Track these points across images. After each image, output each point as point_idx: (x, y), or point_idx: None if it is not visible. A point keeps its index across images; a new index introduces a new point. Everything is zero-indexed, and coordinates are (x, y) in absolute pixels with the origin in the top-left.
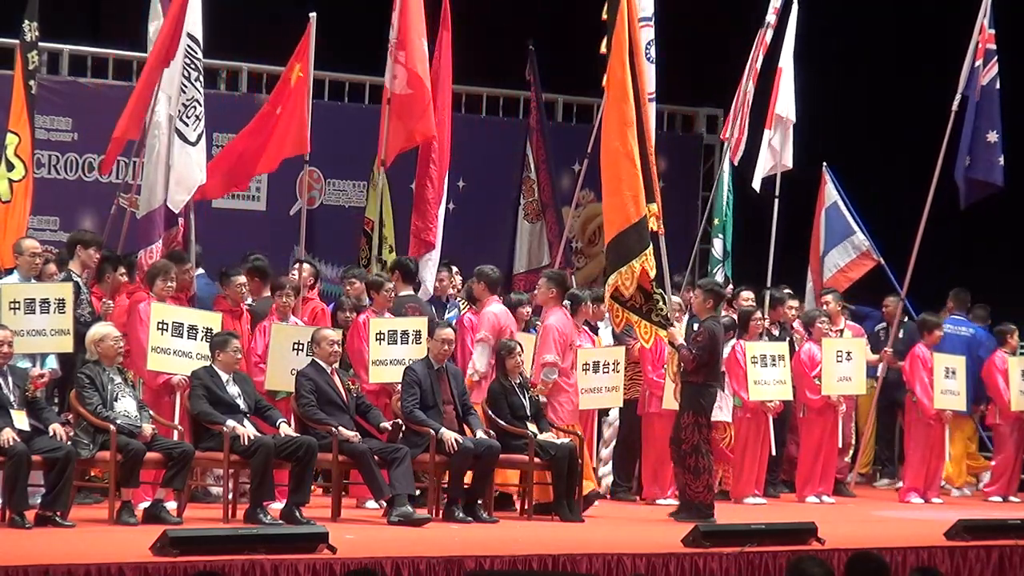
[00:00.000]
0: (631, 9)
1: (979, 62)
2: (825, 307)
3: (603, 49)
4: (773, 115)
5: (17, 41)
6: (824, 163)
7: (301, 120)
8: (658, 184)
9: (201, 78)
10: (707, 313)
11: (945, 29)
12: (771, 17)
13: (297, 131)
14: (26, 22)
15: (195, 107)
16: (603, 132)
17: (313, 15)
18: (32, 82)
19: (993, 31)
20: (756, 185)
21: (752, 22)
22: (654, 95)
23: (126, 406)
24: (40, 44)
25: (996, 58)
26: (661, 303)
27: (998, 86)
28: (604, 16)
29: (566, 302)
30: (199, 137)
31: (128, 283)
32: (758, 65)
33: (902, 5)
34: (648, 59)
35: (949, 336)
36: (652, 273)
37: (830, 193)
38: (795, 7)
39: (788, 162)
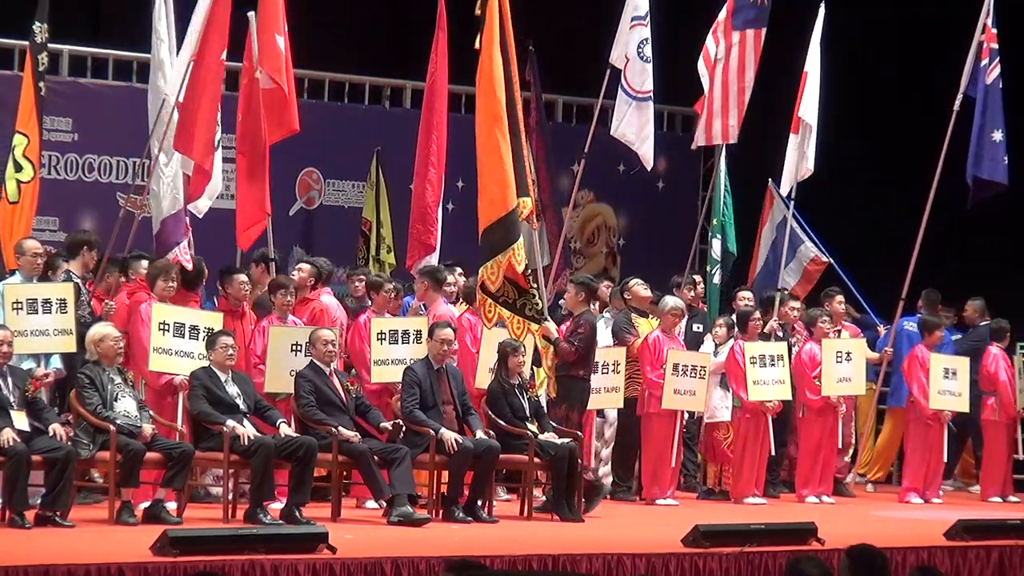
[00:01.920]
0: (503, 5)
1: (984, 61)
2: (839, 307)
3: (477, 45)
4: (797, 119)
5: (20, 42)
6: (770, 179)
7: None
8: (532, 179)
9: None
10: (580, 307)
11: (947, 29)
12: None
13: (254, 129)
14: (36, 23)
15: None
16: (476, 127)
17: (252, 15)
18: (42, 83)
19: (995, 30)
20: (784, 190)
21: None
22: (650, 95)
23: (126, 406)
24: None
25: (999, 57)
26: (536, 297)
27: (1000, 85)
28: (477, 12)
29: None
30: (217, 143)
31: (126, 283)
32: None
33: (903, 5)
34: (642, 58)
35: (909, 333)
36: (520, 267)
37: (778, 208)
38: (823, 9)
39: (810, 165)
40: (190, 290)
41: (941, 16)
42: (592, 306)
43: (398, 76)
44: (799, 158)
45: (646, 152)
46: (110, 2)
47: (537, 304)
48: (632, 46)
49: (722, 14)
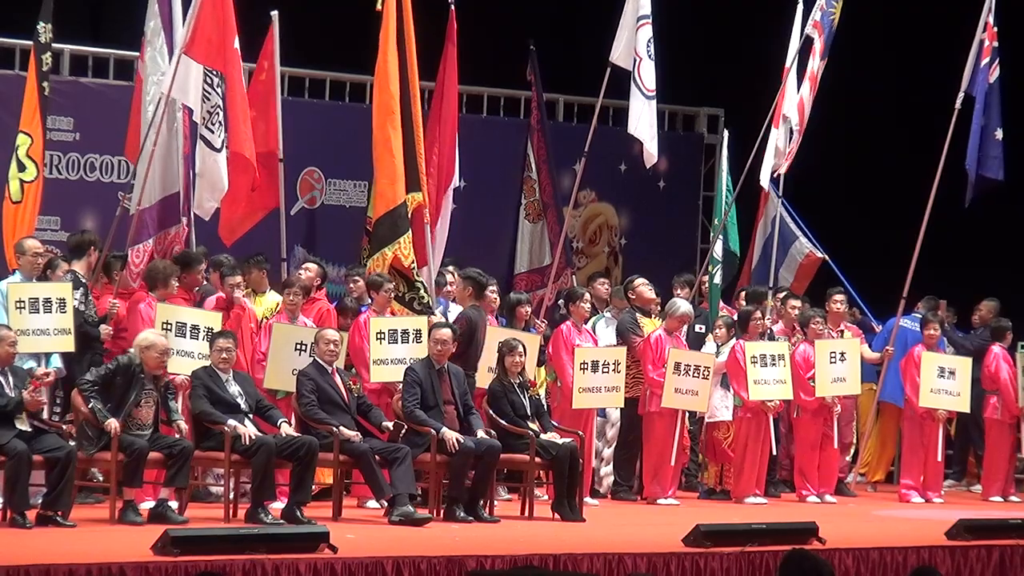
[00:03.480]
0: (404, 1)
1: (986, 60)
2: (837, 307)
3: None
4: (780, 115)
5: (21, 42)
6: (761, 177)
7: (269, 118)
8: (425, 174)
9: (223, 84)
10: (469, 301)
11: (949, 27)
12: (813, 32)
13: (265, 129)
14: (40, 24)
15: (218, 113)
16: (373, 121)
17: (275, 14)
18: (45, 83)
19: (996, 28)
20: (765, 183)
21: (755, 22)
22: (654, 93)
23: (143, 414)
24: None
25: (999, 56)
26: (422, 291)
27: (998, 84)
28: (378, 7)
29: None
30: (223, 143)
31: (108, 283)
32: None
33: (904, 4)
34: (650, 56)
35: (905, 331)
36: (406, 261)
37: (772, 205)
38: (800, 6)
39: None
40: (188, 273)
41: (943, 14)
42: (480, 301)
43: None
44: (778, 152)
45: (652, 149)
46: (111, 2)
47: (424, 298)
48: (641, 45)
49: (817, 44)
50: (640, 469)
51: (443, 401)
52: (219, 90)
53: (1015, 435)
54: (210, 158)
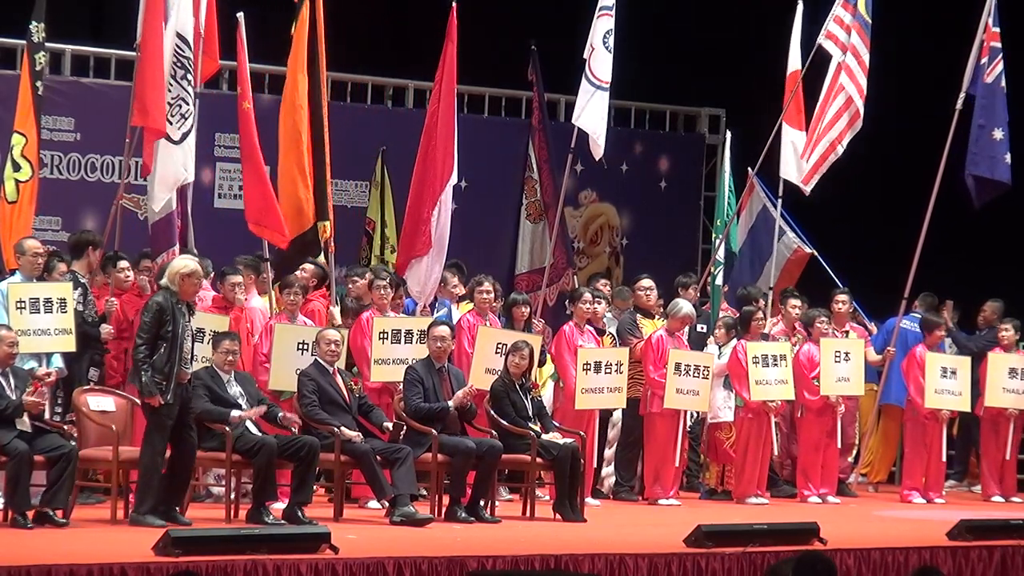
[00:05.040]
0: (319, 18)
1: (984, 59)
2: (841, 307)
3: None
4: (800, 116)
5: (20, 42)
6: (749, 168)
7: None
8: (331, 197)
9: (189, 76)
10: (365, 298)
11: (951, 27)
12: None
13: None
14: (33, 23)
15: (180, 105)
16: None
17: (240, 15)
18: (39, 83)
19: (998, 29)
20: (807, 188)
21: (757, 22)
22: (608, 85)
23: (186, 349)
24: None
25: (1001, 56)
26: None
27: (1003, 84)
28: (293, 31)
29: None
30: (183, 136)
31: (107, 283)
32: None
33: (906, 3)
34: (606, 47)
35: (905, 332)
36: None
37: (758, 199)
38: (800, 7)
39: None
40: None
41: (950, 20)
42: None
43: (400, 76)
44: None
45: (600, 142)
46: (111, 2)
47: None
48: (598, 36)
49: (863, 50)
50: (641, 469)
51: (444, 399)
52: (184, 82)
53: (1005, 435)
54: (166, 150)
